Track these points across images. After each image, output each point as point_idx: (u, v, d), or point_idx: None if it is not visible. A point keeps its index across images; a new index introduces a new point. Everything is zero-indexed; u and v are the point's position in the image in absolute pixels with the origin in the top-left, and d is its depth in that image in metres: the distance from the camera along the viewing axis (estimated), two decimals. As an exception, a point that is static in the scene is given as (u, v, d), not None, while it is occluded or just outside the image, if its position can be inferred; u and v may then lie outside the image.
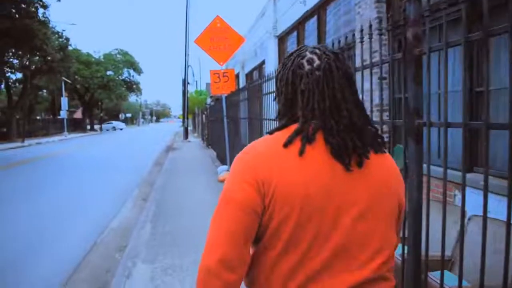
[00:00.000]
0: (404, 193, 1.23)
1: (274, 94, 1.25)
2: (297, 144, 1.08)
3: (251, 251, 1.13)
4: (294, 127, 1.11)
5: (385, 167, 1.14)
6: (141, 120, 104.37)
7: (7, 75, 28.37)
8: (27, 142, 27.22)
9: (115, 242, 5.38)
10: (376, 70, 6.57)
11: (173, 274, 3.92)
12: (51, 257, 4.89)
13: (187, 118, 30.12)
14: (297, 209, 1.04)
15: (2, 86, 30.27)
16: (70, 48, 33.72)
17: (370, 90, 2.50)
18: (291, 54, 1.18)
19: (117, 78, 51.18)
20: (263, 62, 14.39)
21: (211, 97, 25.82)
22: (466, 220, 2.67)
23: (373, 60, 2.45)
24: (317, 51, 1.13)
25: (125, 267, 4.16)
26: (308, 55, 1.13)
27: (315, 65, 1.11)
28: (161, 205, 7.05)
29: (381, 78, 2.43)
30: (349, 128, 1.09)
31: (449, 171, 4.51)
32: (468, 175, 3.92)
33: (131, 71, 55.39)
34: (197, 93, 42.66)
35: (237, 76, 18.78)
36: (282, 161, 1.07)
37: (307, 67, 1.12)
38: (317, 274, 1.06)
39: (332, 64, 1.11)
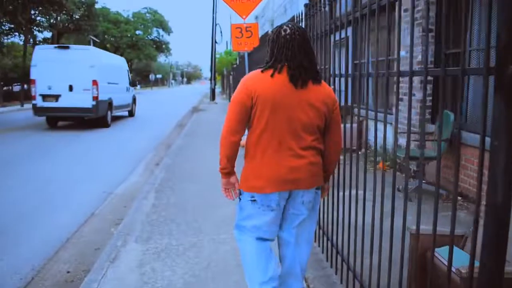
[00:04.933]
0: (333, 102, 2.24)
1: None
2: (270, 72, 2.14)
3: (247, 132, 2.22)
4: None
5: (318, 91, 2.17)
6: (172, 81, 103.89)
7: (34, 33, 27.90)
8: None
9: (114, 213, 4.82)
10: (419, 20, 5.51)
11: (166, 259, 3.29)
12: (46, 224, 4.39)
13: (215, 79, 29.28)
14: (269, 105, 2.09)
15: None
16: (97, 6, 32.96)
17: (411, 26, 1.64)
18: (276, 27, 2.22)
19: (146, 38, 50.48)
20: (293, 19, 13.30)
21: (240, 56, 24.73)
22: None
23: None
24: (290, 25, 2.17)
25: (114, 246, 3.57)
26: (284, 27, 2.17)
27: (287, 32, 2.15)
28: (171, 172, 6.44)
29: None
30: (299, 67, 2.12)
31: None
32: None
33: (161, 31, 54.34)
34: (226, 54, 41.32)
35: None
36: (262, 80, 2.13)
37: (282, 33, 2.15)
38: (280, 144, 2.12)
39: (296, 32, 2.14)
